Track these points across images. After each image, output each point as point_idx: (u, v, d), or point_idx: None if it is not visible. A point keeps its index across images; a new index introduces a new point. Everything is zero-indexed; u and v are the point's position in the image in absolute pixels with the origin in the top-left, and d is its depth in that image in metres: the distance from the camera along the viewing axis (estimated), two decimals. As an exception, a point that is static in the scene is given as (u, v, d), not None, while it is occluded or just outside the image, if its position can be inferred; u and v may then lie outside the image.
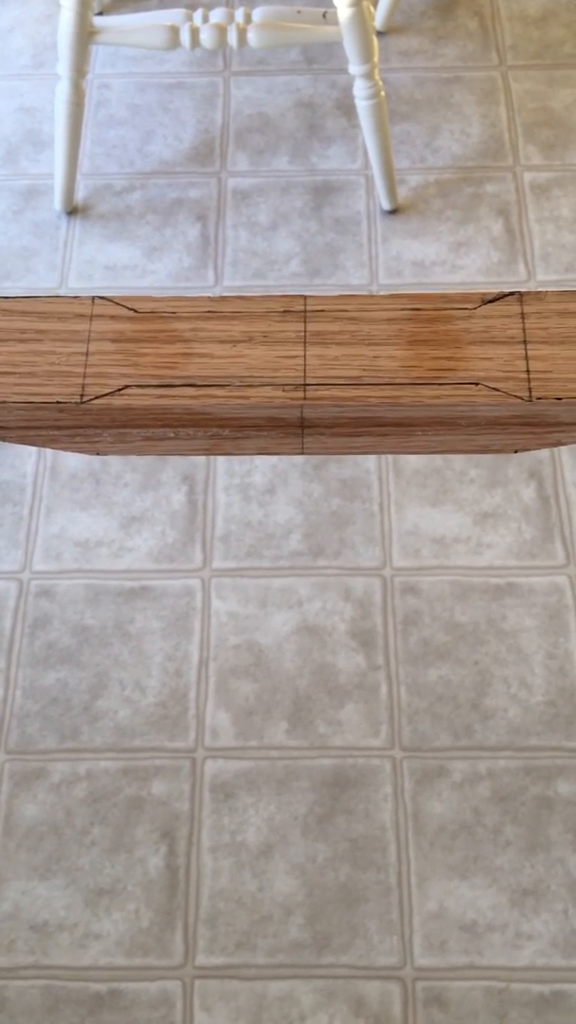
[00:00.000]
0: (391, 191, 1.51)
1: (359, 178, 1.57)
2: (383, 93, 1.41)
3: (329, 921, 1.08)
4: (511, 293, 0.60)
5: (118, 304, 0.60)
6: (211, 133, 1.63)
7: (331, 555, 1.28)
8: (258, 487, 1.33)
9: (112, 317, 0.60)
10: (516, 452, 0.62)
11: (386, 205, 1.53)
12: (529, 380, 0.57)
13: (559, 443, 0.59)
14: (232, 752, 1.16)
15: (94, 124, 1.64)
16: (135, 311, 0.60)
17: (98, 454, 0.62)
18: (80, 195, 1.57)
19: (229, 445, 0.60)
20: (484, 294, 0.60)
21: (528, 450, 0.60)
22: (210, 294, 1.48)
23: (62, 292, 1.49)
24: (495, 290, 0.60)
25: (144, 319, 0.59)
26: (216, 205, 1.56)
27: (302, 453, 0.61)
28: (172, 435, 0.59)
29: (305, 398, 0.57)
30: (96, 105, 1.66)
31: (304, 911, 1.08)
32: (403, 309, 0.60)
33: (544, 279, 1.47)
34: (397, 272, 1.49)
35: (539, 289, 1.41)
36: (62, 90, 1.41)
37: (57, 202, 1.53)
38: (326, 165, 1.59)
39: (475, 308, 0.59)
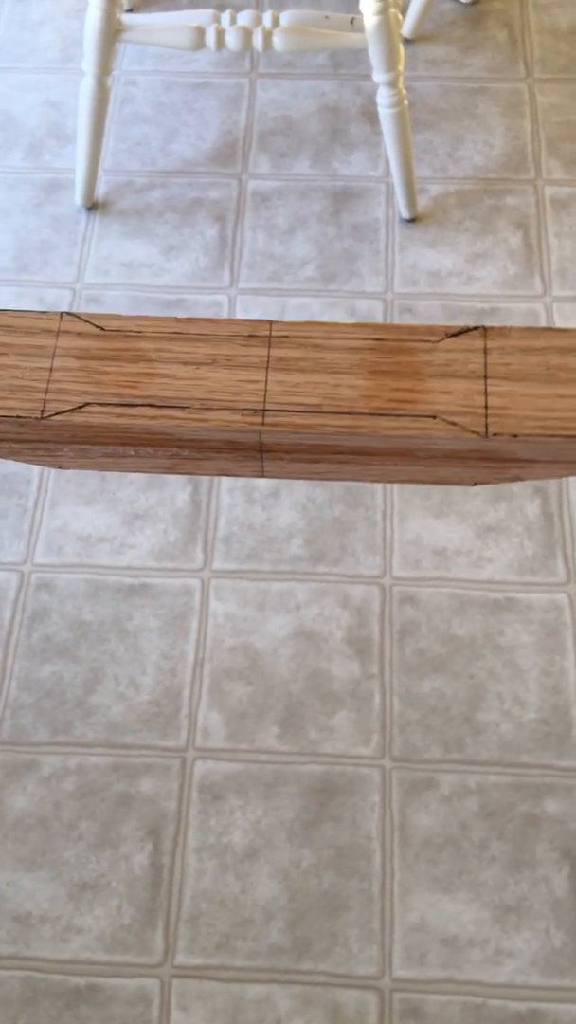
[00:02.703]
0: (411, 199, 1.51)
1: (380, 185, 1.57)
2: (406, 102, 1.41)
3: (310, 927, 1.08)
4: (475, 328, 0.60)
5: (86, 321, 0.60)
6: (234, 134, 1.63)
7: (331, 561, 1.28)
8: (262, 490, 1.33)
9: (79, 334, 0.61)
10: (475, 484, 0.63)
11: (405, 213, 1.52)
12: (486, 416, 0.57)
13: (517, 478, 0.59)
14: (222, 754, 1.17)
15: (119, 121, 1.65)
16: (102, 329, 0.60)
17: (60, 467, 0.62)
18: (101, 191, 1.57)
19: (189, 465, 0.61)
20: (448, 327, 0.60)
21: (487, 483, 0.60)
22: (226, 295, 1.49)
23: (78, 287, 1.49)
24: (459, 327, 0.60)
25: (110, 337, 0.59)
26: (235, 206, 1.56)
27: (262, 476, 0.61)
28: (132, 453, 0.60)
29: (263, 424, 0.58)
30: (121, 102, 1.66)
31: (286, 916, 1.08)
32: (367, 339, 0.60)
33: (560, 294, 1.47)
34: (413, 281, 1.49)
35: (558, 300, 1.41)
36: (86, 86, 1.42)
37: (77, 197, 1.54)
38: (347, 171, 1.59)
39: (438, 341, 0.59)
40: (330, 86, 1.67)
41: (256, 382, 0.59)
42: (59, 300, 1.49)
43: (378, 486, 1.33)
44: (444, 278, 1.49)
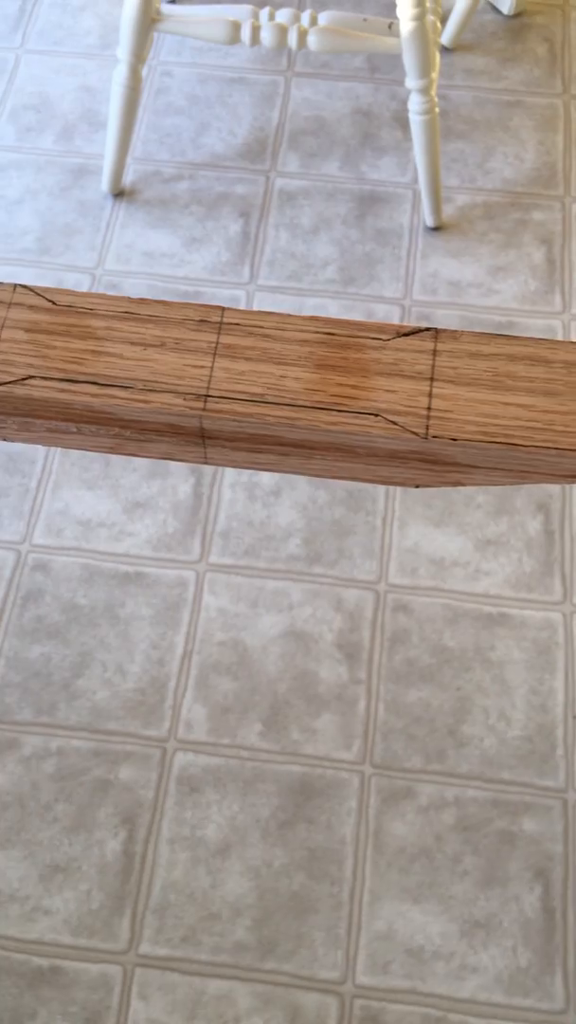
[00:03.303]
0: (436, 208, 1.50)
1: (407, 192, 1.57)
2: (437, 110, 1.41)
3: (276, 927, 1.08)
4: (428, 329, 0.59)
5: (39, 295, 0.60)
6: (266, 131, 1.63)
7: (328, 563, 1.28)
8: (264, 487, 1.33)
9: (30, 307, 0.61)
10: (417, 487, 0.62)
11: (430, 221, 1.52)
12: (428, 417, 0.57)
13: (458, 483, 0.59)
14: (203, 747, 1.17)
15: (152, 110, 1.65)
16: (54, 303, 0.60)
17: (4, 440, 0.62)
18: (128, 179, 1.58)
19: (133, 446, 0.61)
20: (400, 326, 0.59)
21: (429, 487, 0.60)
22: (244, 291, 1.49)
23: (98, 272, 1.50)
24: (411, 327, 0.60)
25: (61, 312, 0.59)
26: (261, 203, 1.56)
27: (205, 463, 0.61)
28: (75, 430, 0.60)
29: (204, 409, 0.57)
30: (156, 92, 1.67)
31: (253, 914, 1.08)
32: (318, 332, 0.60)
33: (579, 313, 1.46)
34: (432, 289, 1.48)
35: (574, 314, 1.40)
36: (119, 74, 1.42)
37: (105, 183, 1.54)
38: (375, 175, 1.59)
39: (389, 339, 0.59)
40: (365, 89, 1.67)
41: (201, 367, 0.59)
42: (78, 284, 1.49)
43: (381, 490, 1.32)
44: (464, 288, 1.48)
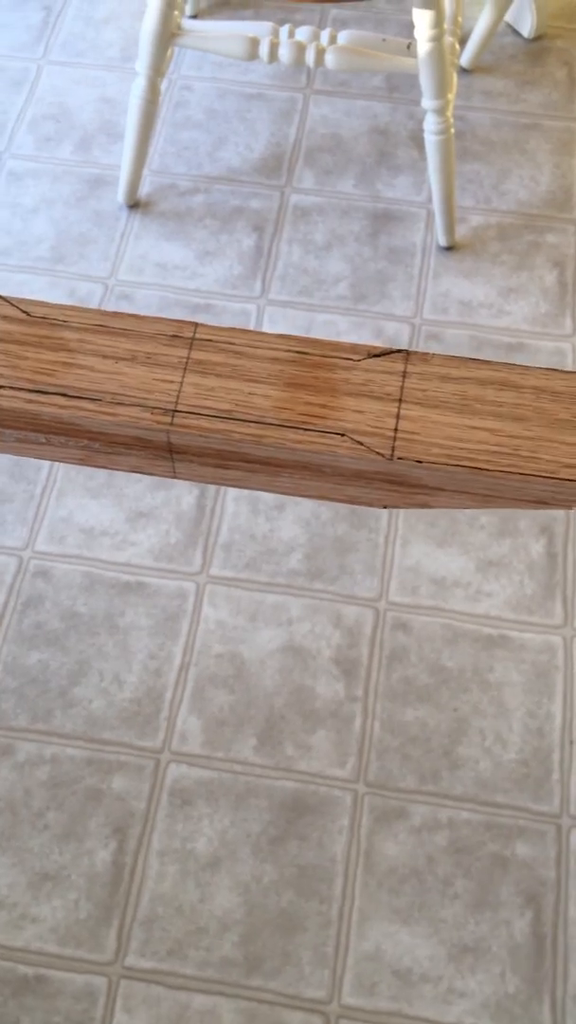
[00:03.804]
0: (449, 228, 1.51)
1: (421, 211, 1.57)
2: (452, 130, 1.41)
3: (264, 944, 1.07)
4: (399, 351, 0.59)
5: (13, 305, 0.60)
6: (282, 147, 1.64)
7: (328, 579, 1.28)
8: (267, 501, 1.33)
9: (4, 317, 0.61)
10: (385, 508, 0.62)
11: (443, 241, 1.52)
12: (395, 439, 0.57)
13: (425, 505, 0.59)
14: (197, 760, 1.16)
15: (170, 124, 1.66)
16: (28, 314, 0.60)
17: None
18: (144, 191, 1.59)
19: (102, 459, 0.61)
20: (372, 347, 0.59)
21: (396, 507, 0.60)
22: (255, 305, 1.49)
23: (111, 282, 1.51)
24: (383, 348, 0.59)
25: (34, 323, 0.60)
26: (275, 218, 1.57)
27: (174, 476, 0.61)
28: (44, 441, 0.60)
29: (171, 424, 0.58)
30: (175, 105, 1.68)
31: (241, 929, 1.08)
32: (289, 351, 0.60)
33: (589, 336, 1.46)
34: (443, 309, 1.48)
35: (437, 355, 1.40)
36: (137, 87, 1.43)
37: (120, 195, 1.55)
38: (390, 194, 1.59)
39: (360, 360, 0.59)
40: (383, 108, 1.68)
41: (171, 382, 0.59)
42: (91, 294, 1.50)
43: (384, 509, 1.32)
44: (475, 309, 1.48)
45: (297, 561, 1.29)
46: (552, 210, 1.58)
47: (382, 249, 1.54)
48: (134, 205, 1.57)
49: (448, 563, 1.29)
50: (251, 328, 1.46)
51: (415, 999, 1.05)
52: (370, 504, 0.61)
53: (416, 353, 0.60)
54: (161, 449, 0.59)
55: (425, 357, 0.60)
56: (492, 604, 1.26)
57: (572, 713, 1.19)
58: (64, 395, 0.59)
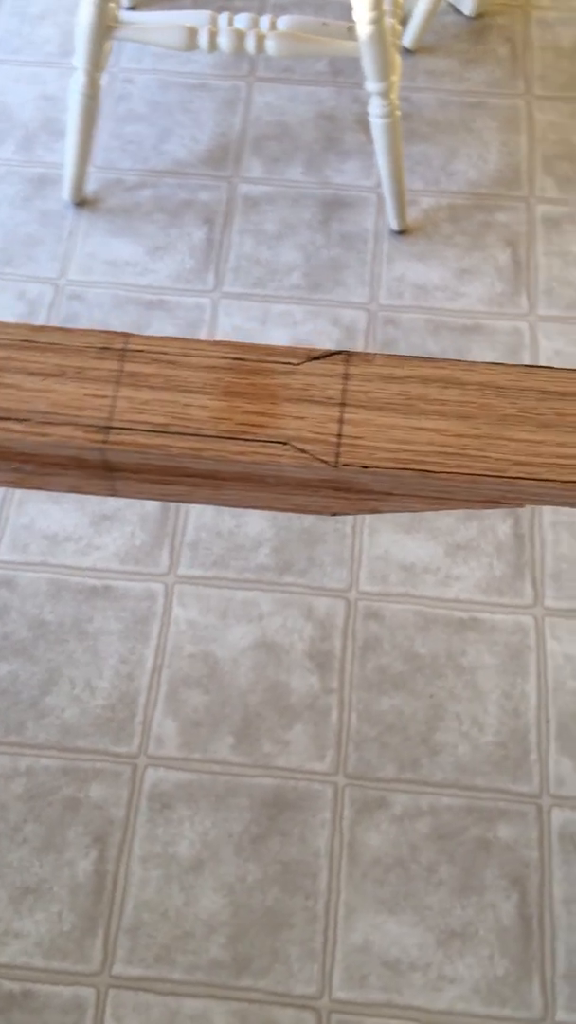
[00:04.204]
0: (400, 211, 1.50)
1: (371, 195, 1.56)
2: (398, 113, 1.40)
3: (251, 943, 1.06)
4: (339, 352, 0.58)
5: None
6: (228, 137, 1.62)
7: (298, 572, 1.27)
8: (232, 497, 1.32)
9: None
10: (334, 515, 0.61)
11: (395, 225, 1.51)
12: (339, 444, 0.55)
13: (375, 510, 0.58)
14: (174, 762, 1.15)
15: (113, 118, 1.64)
16: None
17: None
18: (90, 188, 1.56)
19: (36, 480, 0.59)
20: (311, 350, 0.58)
21: (345, 514, 0.59)
22: (209, 298, 1.47)
23: (61, 283, 1.48)
24: (323, 351, 0.58)
25: None
26: (225, 209, 1.55)
27: (114, 495, 0.59)
28: None
29: (106, 442, 0.56)
30: (117, 99, 1.65)
31: (227, 931, 1.07)
32: (225, 357, 0.58)
33: (545, 313, 1.46)
34: (398, 294, 1.47)
35: (543, 320, 1.39)
36: (76, 82, 1.41)
37: (66, 193, 1.53)
38: (339, 179, 1.58)
39: (299, 364, 0.57)
40: (327, 93, 1.66)
41: (103, 397, 0.57)
42: (41, 295, 1.48)
43: (349, 499, 1.31)
44: (430, 292, 1.48)
45: (265, 556, 1.28)
46: (502, 188, 1.57)
47: (334, 236, 1.53)
48: (81, 203, 1.55)
49: (417, 549, 1.28)
50: (200, 329, 1.44)
51: (405, 988, 1.05)
52: (318, 512, 0.60)
53: (357, 354, 0.58)
54: (97, 468, 0.57)
55: (367, 358, 0.58)
56: (462, 588, 1.26)
57: (547, 692, 1.19)
58: None
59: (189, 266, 1.50)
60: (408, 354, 0.63)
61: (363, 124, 1.63)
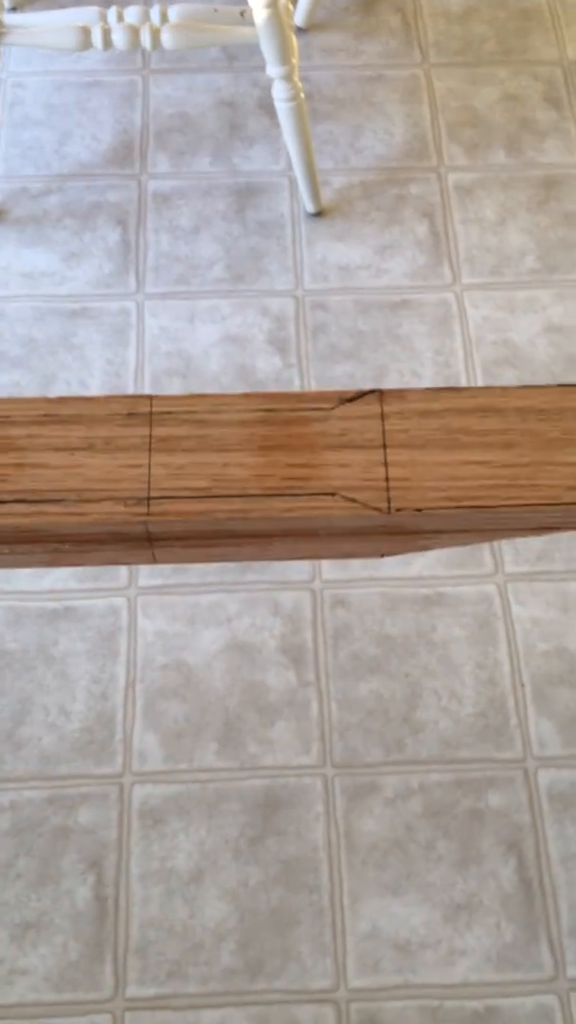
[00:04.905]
0: (314, 193, 1.49)
1: (282, 179, 1.55)
2: (302, 95, 1.38)
3: (262, 946, 1.06)
4: (371, 391, 0.57)
5: None
6: (130, 134, 1.59)
7: (259, 569, 1.26)
8: (183, 501, 1.30)
9: None
10: (383, 556, 0.60)
11: (310, 208, 1.50)
12: (388, 489, 0.54)
13: (427, 548, 0.58)
14: (160, 776, 1.14)
15: (8, 125, 1.59)
16: None
17: None
18: (-5, 199, 1.52)
19: (74, 557, 0.57)
20: (342, 392, 0.56)
21: (396, 554, 0.58)
22: (133, 301, 1.44)
23: (-22, 301, 1.44)
24: (354, 392, 0.56)
25: None
26: (136, 208, 1.52)
27: (154, 563, 0.58)
28: (7, 551, 0.56)
29: (148, 513, 0.54)
30: (10, 105, 1.61)
31: (236, 937, 1.07)
32: (256, 410, 0.56)
33: (469, 282, 1.46)
34: (323, 277, 1.47)
35: (468, 288, 1.40)
36: (-30, 93, 1.36)
37: (-30, 207, 1.48)
38: (248, 166, 1.56)
39: (332, 408, 0.56)
40: (225, 80, 1.64)
41: (138, 467, 0.55)
42: (-41, 316, 1.43)
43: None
44: (354, 272, 1.47)
45: (224, 556, 1.27)
46: (411, 160, 1.57)
47: (251, 224, 1.51)
48: (-13, 216, 1.50)
49: (374, 531, 1.28)
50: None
51: (419, 967, 1.06)
52: (368, 555, 0.59)
53: (390, 392, 0.57)
54: (140, 540, 0.55)
55: (400, 394, 0.57)
56: (424, 564, 1.26)
57: (519, 657, 1.21)
58: (23, 501, 0.54)
59: (108, 270, 1.47)
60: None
61: (265, 108, 1.61)
